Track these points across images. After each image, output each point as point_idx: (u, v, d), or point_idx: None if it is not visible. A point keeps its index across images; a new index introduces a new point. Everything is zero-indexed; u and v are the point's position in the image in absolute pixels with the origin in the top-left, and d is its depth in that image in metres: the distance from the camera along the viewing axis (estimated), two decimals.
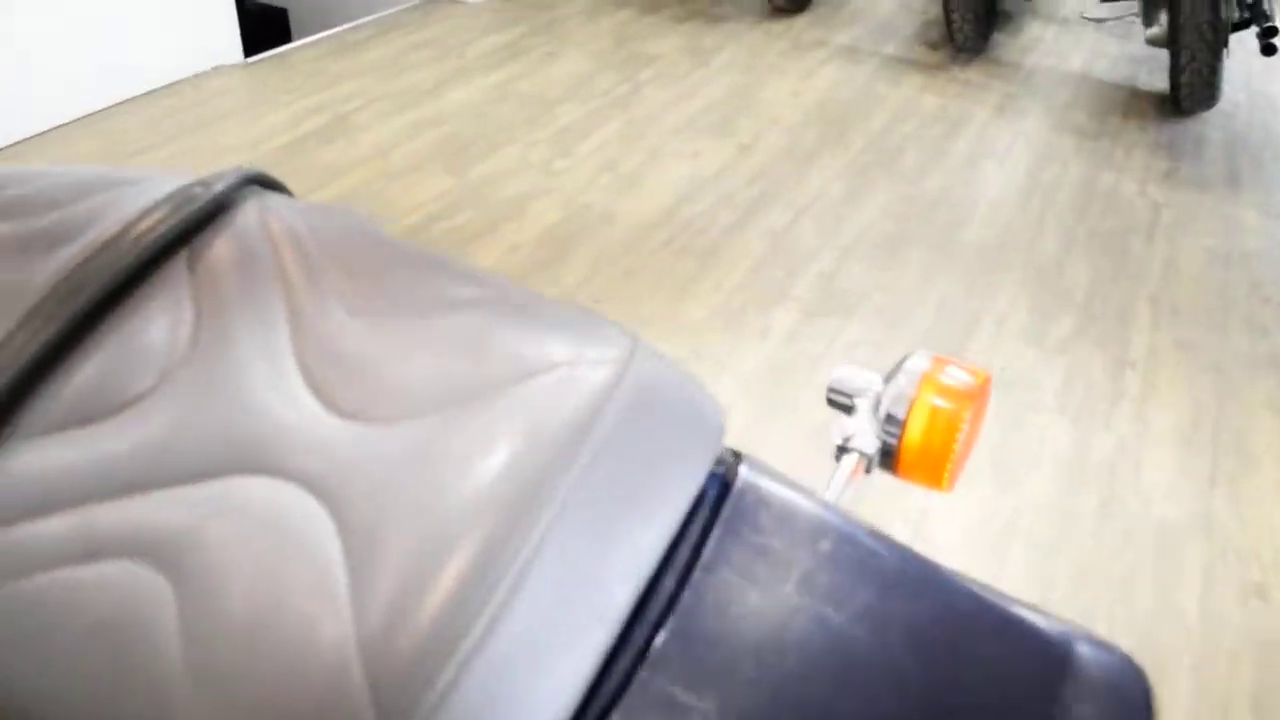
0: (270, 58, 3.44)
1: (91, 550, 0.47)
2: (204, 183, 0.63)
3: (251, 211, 0.63)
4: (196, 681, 0.43)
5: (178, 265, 0.59)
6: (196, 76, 3.23)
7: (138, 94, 3.06)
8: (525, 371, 0.52)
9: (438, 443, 0.49)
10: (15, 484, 0.50)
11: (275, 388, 0.52)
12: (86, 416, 0.52)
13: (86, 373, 0.53)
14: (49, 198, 0.63)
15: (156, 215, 0.59)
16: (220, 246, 0.60)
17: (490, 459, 0.48)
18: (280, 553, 0.45)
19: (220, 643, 0.43)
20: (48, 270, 0.57)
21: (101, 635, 0.45)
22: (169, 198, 0.61)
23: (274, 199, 0.66)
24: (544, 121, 2.96)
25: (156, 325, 0.56)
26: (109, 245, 0.57)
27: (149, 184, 0.64)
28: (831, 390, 0.75)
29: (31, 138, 2.82)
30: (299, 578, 0.44)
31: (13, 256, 0.59)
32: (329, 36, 3.63)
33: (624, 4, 3.90)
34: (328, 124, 2.96)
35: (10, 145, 2.77)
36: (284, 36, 4.39)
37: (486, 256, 2.32)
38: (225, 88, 3.20)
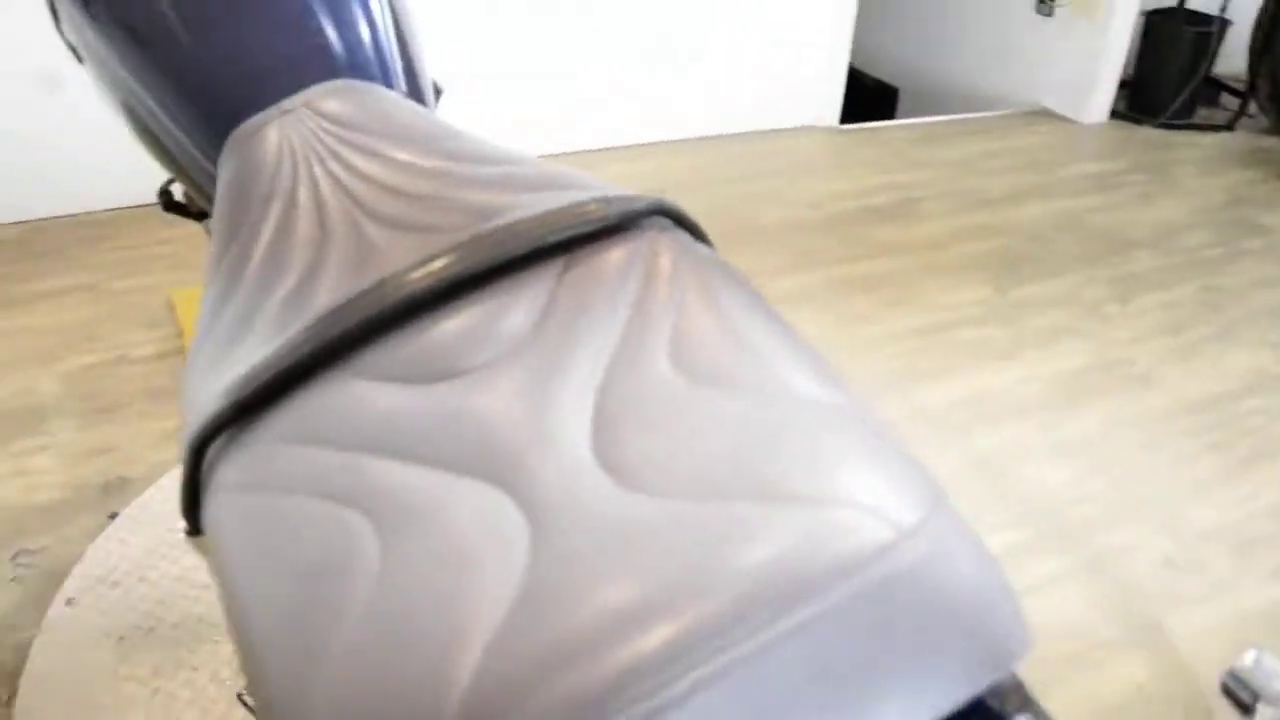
0: (862, 129, 3.53)
1: (344, 495, 0.49)
2: (611, 199, 0.63)
3: (646, 239, 0.62)
4: (347, 656, 0.42)
5: (554, 266, 0.60)
6: (791, 130, 3.40)
7: (732, 132, 3.29)
8: (808, 496, 0.44)
9: (672, 533, 0.43)
10: (322, 412, 0.54)
11: (563, 416, 0.50)
12: (411, 376, 0.55)
13: (432, 336, 0.56)
14: (523, 182, 0.68)
15: (556, 216, 0.61)
16: (596, 261, 0.60)
17: (706, 576, 0.41)
18: (473, 567, 0.43)
19: (382, 631, 0.43)
20: (463, 238, 0.61)
21: (312, 573, 0.46)
22: (577, 204, 0.62)
23: (677, 236, 0.64)
24: (1111, 261, 2.73)
25: (510, 315, 0.57)
26: (506, 230, 0.61)
27: (586, 189, 0.66)
28: (1231, 676, 0.57)
29: (625, 146, 3.14)
30: (473, 598, 0.42)
31: (472, 218, 0.65)
32: (922, 124, 3.65)
33: (1256, 162, 3.48)
34: (892, 203, 2.97)
35: (606, 149, 3.11)
36: (888, 114, 4.50)
37: (998, 377, 2.18)
38: (812, 147, 3.34)
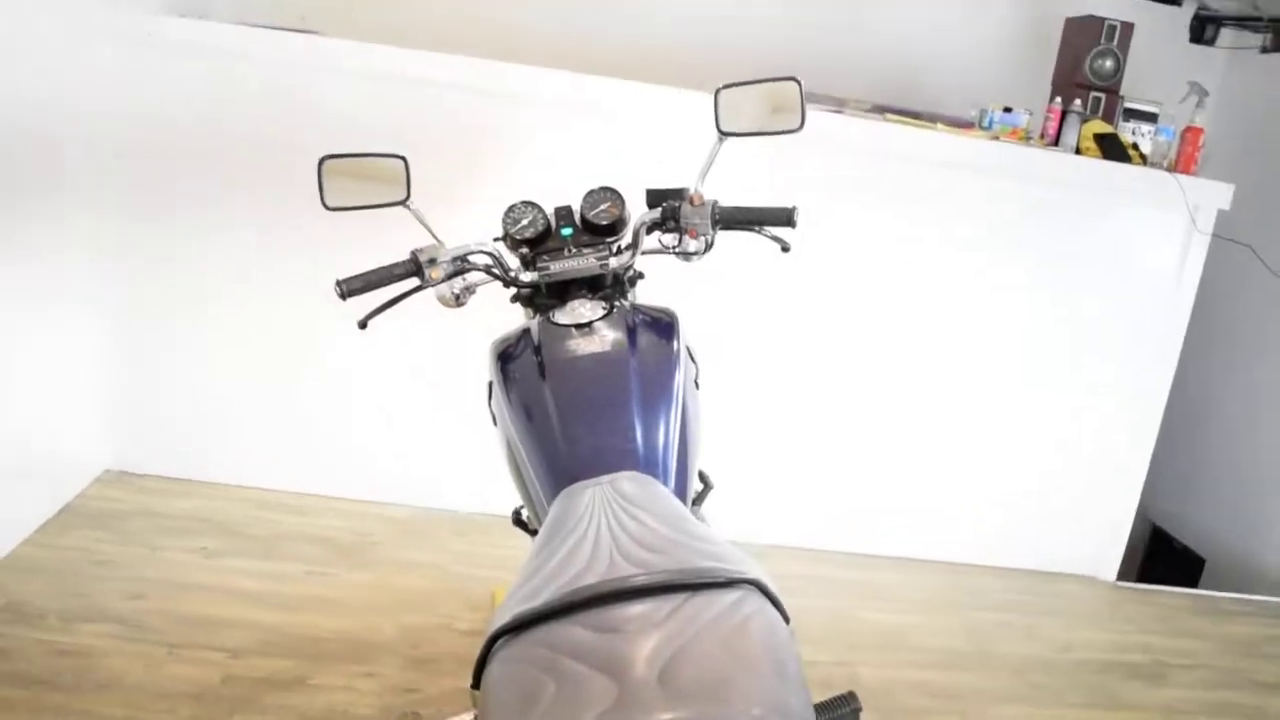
0: (1139, 589, 3.67)
1: (548, 669, 1.00)
2: (731, 572, 1.11)
3: (736, 595, 1.08)
4: None
5: (687, 593, 1.08)
6: (1063, 575, 3.61)
7: (999, 565, 3.57)
8: None
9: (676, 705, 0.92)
10: (553, 633, 1.06)
11: (656, 657, 0.98)
12: (600, 628, 1.04)
13: (617, 612, 1.06)
14: (703, 553, 1.18)
15: (697, 572, 1.11)
16: (707, 597, 1.08)
17: None
18: (586, 705, 0.94)
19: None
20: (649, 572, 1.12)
21: (523, 697, 0.97)
22: (711, 569, 1.11)
23: (757, 600, 1.08)
24: None
25: (656, 611, 1.06)
26: (669, 573, 1.11)
27: (730, 563, 1.14)
28: None
29: (891, 558, 3.51)
30: (583, 710, 0.93)
31: (666, 563, 1.15)
32: (1206, 595, 3.73)
33: None
34: (1144, 663, 3.08)
35: (875, 555, 3.49)
36: (1192, 582, 4.51)
37: None
38: (1081, 596, 3.53)
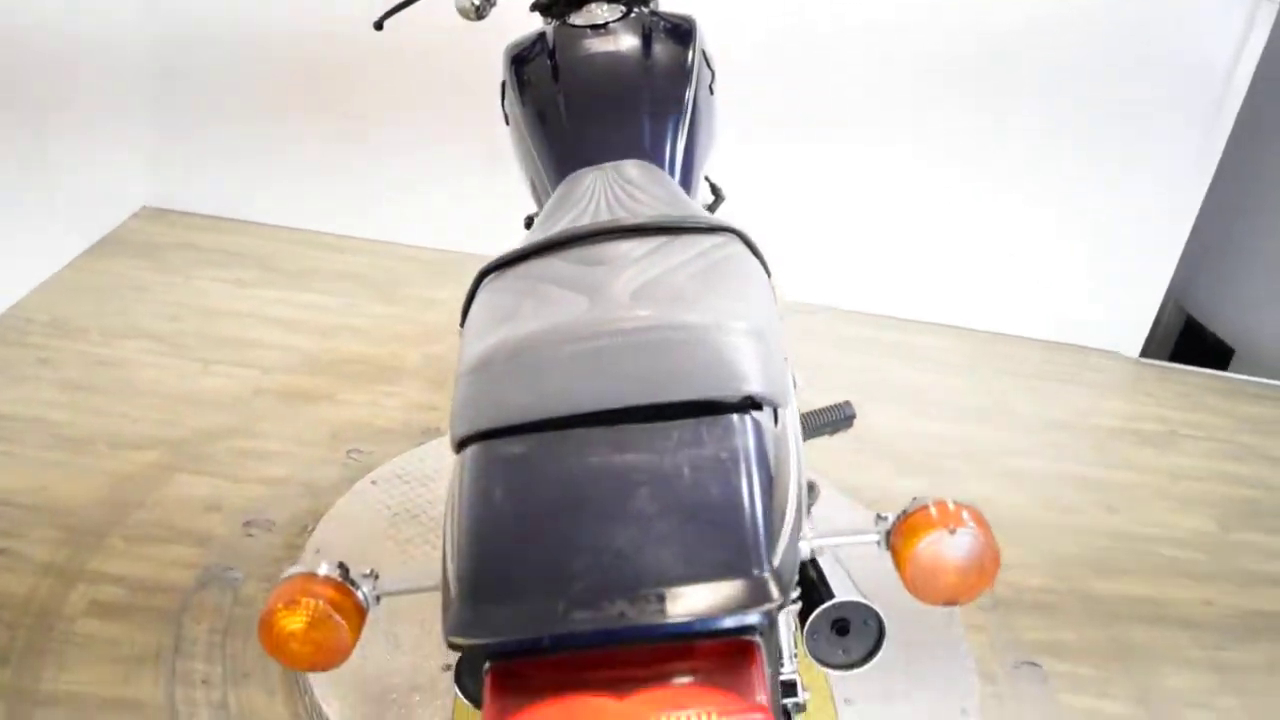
0: (1161, 366, 3.67)
1: (526, 293, 1.03)
2: (711, 219, 1.14)
3: (716, 238, 1.11)
4: (501, 335, 0.95)
5: (667, 236, 1.12)
6: (1087, 349, 3.61)
7: (1023, 335, 3.57)
8: (697, 311, 0.95)
9: (636, 310, 0.95)
10: (537, 267, 1.10)
11: (631, 281, 1.01)
12: (583, 261, 1.08)
13: (601, 250, 1.10)
14: (690, 211, 1.20)
15: (676, 219, 1.14)
16: (686, 238, 1.11)
17: (642, 321, 0.93)
18: (559, 313, 0.98)
19: (518, 328, 0.95)
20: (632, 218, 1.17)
21: (503, 315, 0.99)
22: (690, 216, 1.15)
23: (735, 244, 1.11)
24: None
25: (637, 249, 1.09)
26: (649, 219, 1.16)
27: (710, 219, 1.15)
28: None
29: (910, 320, 3.52)
30: (556, 317, 0.96)
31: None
32: (1228, 378, 3.76)
33: None
34: (1156, 432, 3.12)
35: (893, 317, 3.51)
36: (1215, 365, 4.50)
37: (1183, 594, 2.31)
38: (1099, 367, 3.53)
